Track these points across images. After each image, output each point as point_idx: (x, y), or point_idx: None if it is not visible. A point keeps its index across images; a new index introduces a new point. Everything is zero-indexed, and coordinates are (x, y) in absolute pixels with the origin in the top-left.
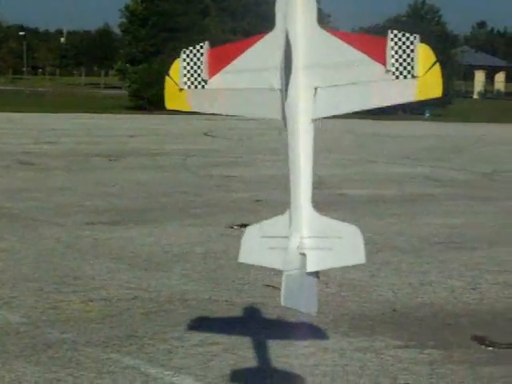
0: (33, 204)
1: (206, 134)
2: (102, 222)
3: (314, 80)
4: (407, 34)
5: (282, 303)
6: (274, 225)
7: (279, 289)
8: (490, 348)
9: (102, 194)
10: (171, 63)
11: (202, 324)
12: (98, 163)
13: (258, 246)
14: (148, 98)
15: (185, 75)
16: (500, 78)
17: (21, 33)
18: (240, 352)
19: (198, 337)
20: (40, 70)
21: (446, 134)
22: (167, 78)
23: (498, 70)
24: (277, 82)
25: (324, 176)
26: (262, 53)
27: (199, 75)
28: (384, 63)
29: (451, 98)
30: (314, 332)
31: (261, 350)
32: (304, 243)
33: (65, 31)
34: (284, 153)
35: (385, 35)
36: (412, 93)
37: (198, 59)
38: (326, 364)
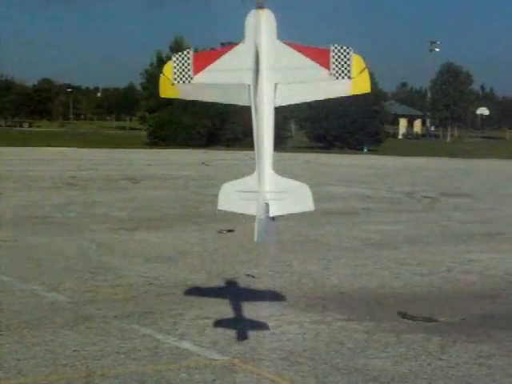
0: (75, 214)
1: (203, 163)
2: (125, 228)
3: (275, 78)
4: (344, 47)
5: (255, 239)
6: (245, 183)
7: (257, 278)
8: (410, 320)
9: (126, 207)
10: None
11: (198, 303)
12: (124, 184)
13: (232, 198)
14: (160, 137)
15: (175, 73)
16: (417, 124)
17: (68, 89)
18: (226, 324)
19: (195, 313)
20: (82, 117)
21: (378, 164)
22: (161, 75)
23: (416, 117)
24: (247, 79)
25: None
26: (235, 58)
27: (187, 73)
28: (328, 68)
29: (383, 138)
30: (280, 309)
31: (242, 322)
32: (267, 196)
33: (100, 88)
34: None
35: (328, 47)
36: (348, 89)
37: (186, 61)
38: (290, 332)
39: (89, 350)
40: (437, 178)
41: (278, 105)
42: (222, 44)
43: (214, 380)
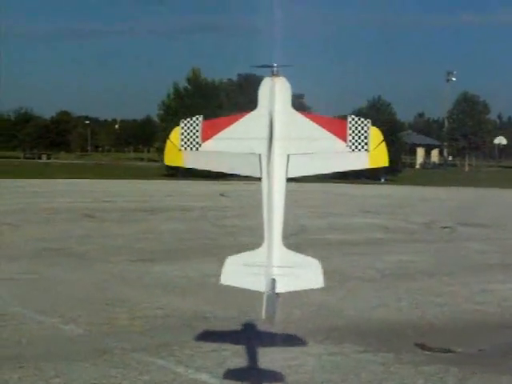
0: (93, 247)
1: (221, 195)
2: (143, 260)
3: (288, 149)
4: (362, 119)
5: (263, 316)
6: (253, 256)
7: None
8: (428, 352)
9: (143, 239)
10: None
11: (216, 335)
12: (141, 216)
13: (238, 272)
14: (178, 168)
15: (182, 139)
16: (435, 153)
17: (86, 121)
18: (245, 356)
19: (213, 344)
20: (100, 148)
21: (395, 194)
22: (168, 141)
23: (433, 147)
24: (258, 148)
25: (307, 225)
26: (246, 126)
27: (195, 140)
28: (345, 140)
29: (400, 168)
30: (298, 341)
31: (259, 354)
32: (274, 271)
33: (118, 120)
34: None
35: (345, 119)
36: (365, 162)
37: (195, 128)
38: (307, 364)
39: (106, 383)
40: (454, 208)
41: (290, 176)
42: (239, 75)
43: None
